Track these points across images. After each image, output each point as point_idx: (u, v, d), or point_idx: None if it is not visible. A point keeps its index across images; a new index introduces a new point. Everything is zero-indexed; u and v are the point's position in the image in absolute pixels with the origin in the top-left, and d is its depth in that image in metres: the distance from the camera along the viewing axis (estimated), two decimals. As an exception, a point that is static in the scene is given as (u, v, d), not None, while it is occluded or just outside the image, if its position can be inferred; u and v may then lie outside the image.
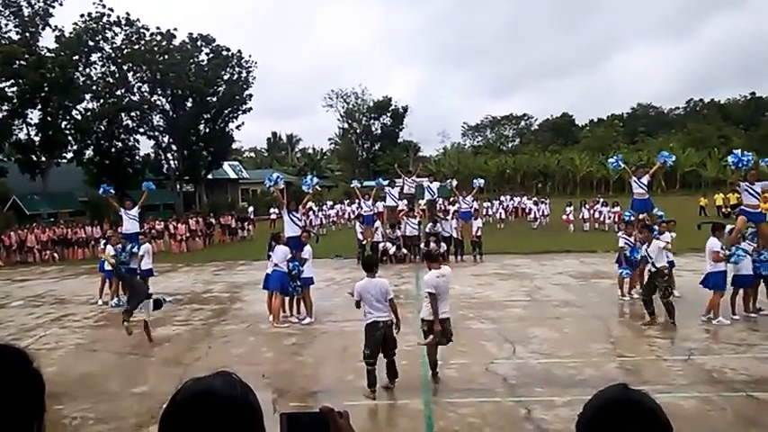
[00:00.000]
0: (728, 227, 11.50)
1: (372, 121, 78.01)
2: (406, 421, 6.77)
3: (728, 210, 33.97)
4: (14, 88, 35.40)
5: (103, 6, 39.18)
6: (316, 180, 14.25)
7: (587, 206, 30.78)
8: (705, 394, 6.99)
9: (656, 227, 12.93)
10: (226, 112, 45.09)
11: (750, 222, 10.97)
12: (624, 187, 52.77)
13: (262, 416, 1.34)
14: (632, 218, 13.46)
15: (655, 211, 13.43)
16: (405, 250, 19.96)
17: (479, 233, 20.04)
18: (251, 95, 45.64)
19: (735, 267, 10.68)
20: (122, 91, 40.94)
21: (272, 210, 38.38)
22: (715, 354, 8.64)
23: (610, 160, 14.69)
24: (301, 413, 1.50)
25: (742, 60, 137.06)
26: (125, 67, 40.70)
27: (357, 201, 23.10)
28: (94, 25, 38.87)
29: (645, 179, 13.25)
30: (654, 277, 10.49)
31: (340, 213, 37.33)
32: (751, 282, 10.77)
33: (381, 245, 19.87)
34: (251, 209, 39.17)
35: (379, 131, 78.00)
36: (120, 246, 14.85)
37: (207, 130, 44.91)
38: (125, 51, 40.04)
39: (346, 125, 78.70)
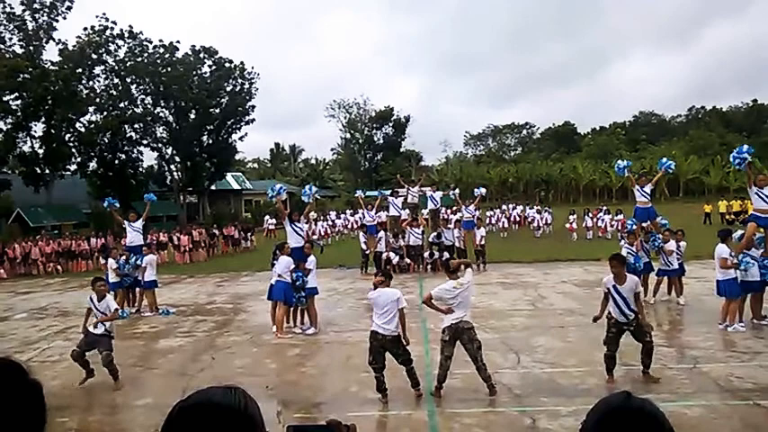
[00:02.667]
0: (738, 233, 11.43)
1: (374, 131, 78.17)
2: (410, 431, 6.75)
3: (732, 216, 33.91)
4: (18, 101, 35.62)
5: (107, 20, 39.60)
6: (314, 189, 14.30)
7: (590, 214, 30.77)
8: (711, 402, 6.94)
9: (660, 235, 12.92)
10: (229, 123, 45.32)
11: (760, 228, 10.90)
12: (627, 195, 52.78)
13: (263, 427, 1.34)
14: (635, 226, 13.43)
15: (658, 220, 13.40)
16: (408, 260, 19.94)
17: (483, 242, 20.04)
18: (253, 107, 45.98)
19: (742, 274, 10.59)
20: (126, 103, 41.21)
21: (269, 220, 38.64)
22: (720, 362, 8.59)
23: (618, 162, 14.50)
24: (308, 426, 1.50)
25: (743, 67, 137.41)
26: (128, 80, 40.99)
27: (360, 210, 23.13)
28: (98, 38, 39.17)
29: (648, 188, 13.22)
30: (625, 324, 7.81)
31: (344, 223, 37.39)
32: (758, 288, 10.67)
33: (385, 254, 19.86)
34: (272, 220, 38.92)
35: (382, 141, 78.14)
36: (123, 258, 14.91)
37: (210, 141, 45.11)
38: (128, 64, 40.32)
39: (348, 135, 78.87)
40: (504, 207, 38.56)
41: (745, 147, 11.01)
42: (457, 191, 25.28)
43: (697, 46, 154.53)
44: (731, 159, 11.31)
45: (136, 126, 41.93)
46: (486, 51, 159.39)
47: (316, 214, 31.06)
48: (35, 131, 37.38)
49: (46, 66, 36.86)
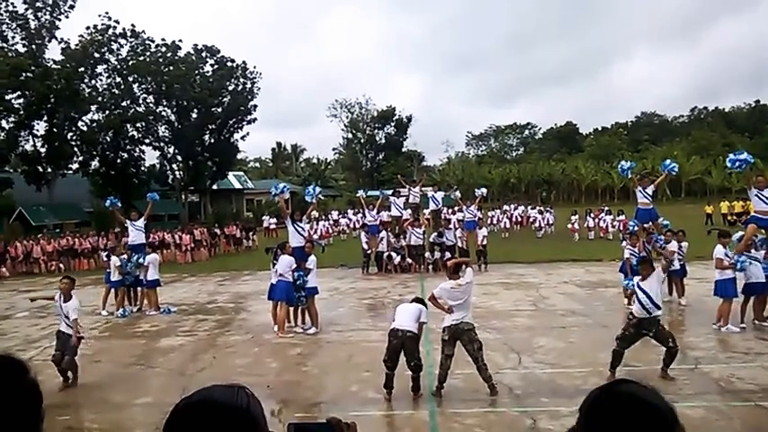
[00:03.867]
0: (737, 234, 11.41)
1: (376, 131, 78.18)
2: (411, 431, 6.74)
3: (734, 217, 33.88)
4: (21, 100, 35.60)
5: (109, 18, 39.52)
6: (318, 189, 14.29)
7: (592, 215, 30.73)
8: (712, 404, 6.93)
9: (662, 236, 12.89)
10: (230, 122, 45.26)
11: (761, 229, 10.88)
12: (629, 196, 52.70)
13: (265, 426, 1.33)
14: (636, 228, 13.39)
15: (660, 221, 13.37)
16: (409, 260, 19.93)
17: (485, 242, 20.02)
18: (255, 106, 45.83)
19: (746, 275, 10.56)
20: (128, 102, 41.16)
21: (270, 219, 38.86)
22: (722, 363, 8.58)
23: (622, 163, 14.40)
24: (309, 423, 1.49)
25: (746, 68, 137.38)
26: (130, 79, 40.94)
27: (362, 210, 23.15)
28: (100, 37, 39.15)
29: (650, 189, 13.17)
30: (645, 326, 7.98)
31: (347, 222, 37.40)
32: (761, 290, 10.59)
33: (386, 254, 19.86)
34: (273, 219, 39.18)
35: (384, 141, 78.15)
36: (125, 256, 14.92)
37: (212, 140, 45.07)
38: (130, 63, 40.30)
39: (350, 135, 78.89)
40: (505, 207, 38.51)
41: (745, 154, 10.94)
42: (458, 193, 25.26)
43: (699, 46, 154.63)
44: (728, 163, 11.24)
45: (138, 125, 41.88)
46: (488, 51, 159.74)
47: (317, 213, 31.04)
48: (37, 130, 37.40)
49: (48, 64, 36.82)
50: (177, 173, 45.12)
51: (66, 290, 8.80)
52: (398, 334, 7.38)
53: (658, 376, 7.77)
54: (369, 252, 20.23)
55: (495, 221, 34.91)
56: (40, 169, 37.28)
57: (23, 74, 34.52)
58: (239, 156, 57.95)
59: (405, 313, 7.61)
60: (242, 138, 46.67)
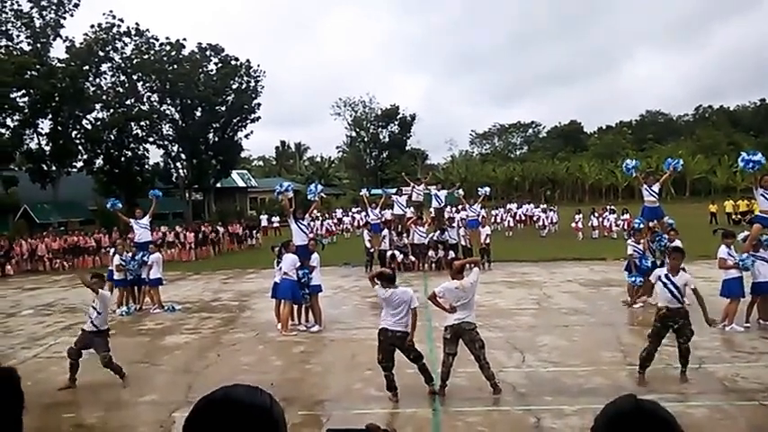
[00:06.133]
0: (742, 234, 11.38)
1: (380, 130, 78.23)
2: (414, 430, 6.74)
3: (738, 216, 33.74)
4: (26, 98, 35.70)
5: (113, 17, 39.59)
6: (320, 188, 14.28)
7: (596, 214, 30.67)
8: (716, 403, 6.92)
9: (666, 234, 12.87)
10: (234, 121, 45.29)
11: (766, 229, 10.82)
12: (633, 194, 52.69)
13: (283, 428, 1.33)
14: (642, 225, 13.38)
15: (665, 219, 13.34)
16: (412, 258, 19.93)
17: (488, 240, 20.01)
18: (259, 104, 45.86)
19: (753, 274, 10.53)
20: (132, 100, 41.23)
21: (273, 218, 38.99)
22: (726, 362, 8.56)
23: (626, 162, 14.34)
24: (346, 429, 1.49)
25: (751, 66, 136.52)
26: (135, 77, 41.01)
27: (365, 209, 23.15)
28: (105, 36, 39.23)
29: (656, 187, 13.14)
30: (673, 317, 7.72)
31: (350, 221, 37.43)
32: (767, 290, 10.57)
33: (389, 253, 19.86)
34: (276, 218, 39.47)
35: (387, 140, 78.18)
36: (129, 254, 14.95)
37: (216, 138, 45.12)
38: (135, 61, 40.35)
39: (354, 133, 78.96)
40: (509, 206, 38.46)
41: (759, 155, 10.84)
42: (461, 191, 25.21)
43: (704, 45, 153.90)
44: (741, 163, 11.11)
45: (142, 123, 41.92)
46: (493, 50, 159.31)
47: (318, 213, 31.03)
48: (42, 128, 37.51)
49: (53, 63, 36.94)
50: (181, 171, 45.20)
51: (95, 288, 8.77)
52: (388, 334, 7.36)
53: (680, 381, 7.69)
54: (372, 251, 20.23)
55: (498, 220, 34.89)
56: (45, 167, 37.41)
57: (28, 72, 34.61)
58: (243, 154, 58.01)
59: (397, 306, 7.32)
60: (246, 136, 46.80)
